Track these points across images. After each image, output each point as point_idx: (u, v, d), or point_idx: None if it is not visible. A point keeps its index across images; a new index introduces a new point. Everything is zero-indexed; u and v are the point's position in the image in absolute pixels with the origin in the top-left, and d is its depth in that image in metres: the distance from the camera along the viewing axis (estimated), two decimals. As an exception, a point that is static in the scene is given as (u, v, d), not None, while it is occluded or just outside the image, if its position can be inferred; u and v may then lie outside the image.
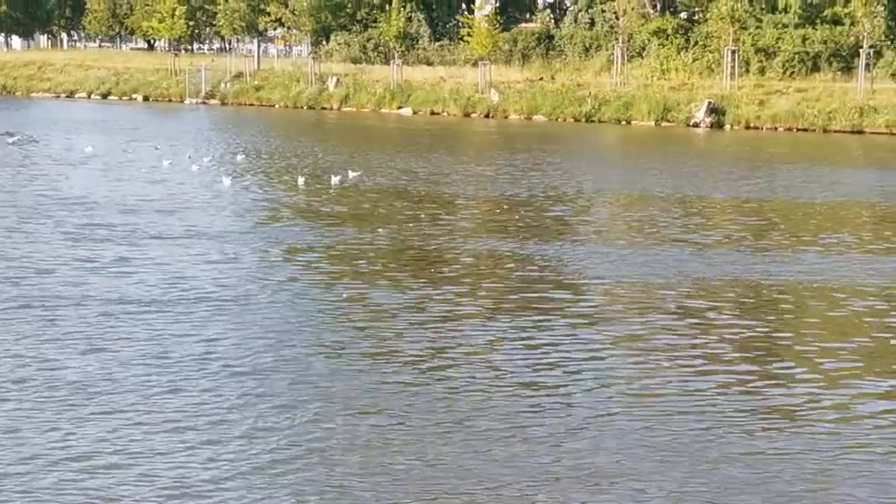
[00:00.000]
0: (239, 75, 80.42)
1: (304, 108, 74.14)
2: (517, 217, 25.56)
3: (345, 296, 16.33)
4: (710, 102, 61.70)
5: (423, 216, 25.24)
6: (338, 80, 75.51)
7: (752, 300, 17.07)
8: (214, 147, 43.22)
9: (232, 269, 18.47)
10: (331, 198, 28.16)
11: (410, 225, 23.70)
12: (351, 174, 31.66)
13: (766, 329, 15.25)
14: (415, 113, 70.06)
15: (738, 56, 65.95)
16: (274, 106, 75.61)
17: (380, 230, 22.75)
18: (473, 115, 68.03)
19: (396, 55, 75.04)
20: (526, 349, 13.79)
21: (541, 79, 71.15)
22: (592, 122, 63.98)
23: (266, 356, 13.15)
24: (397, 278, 17.96)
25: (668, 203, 28.56)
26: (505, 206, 27.42)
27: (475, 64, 72.91)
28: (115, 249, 19.83)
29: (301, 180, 30.64)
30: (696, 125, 61.12)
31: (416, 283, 17.57)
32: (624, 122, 63.24)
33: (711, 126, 60.62)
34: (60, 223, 22.64)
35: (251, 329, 14.40)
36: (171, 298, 16.02)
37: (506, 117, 67.15)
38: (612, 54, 70.68)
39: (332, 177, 31.15)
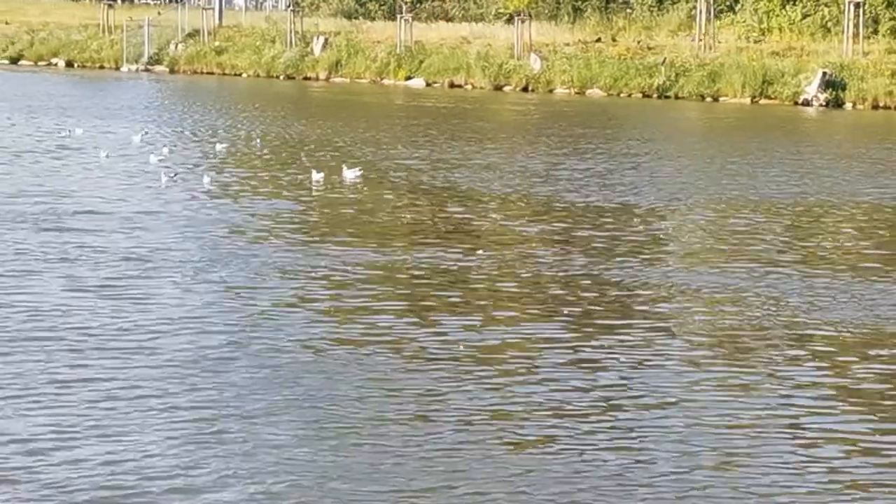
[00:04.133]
0: (194, 34, 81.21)
1: (281, 77, 75.10)
2: (581, 228, 26.26)
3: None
4: (825, 73, 62.15)
5: (470, 226, 26.15)
6: (326, 40, 76.24)
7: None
8: (172, 131, 44.09)
9: (227, 300, 19.18)
10: (348, 200, 29.19)
11: (454, 237, 24.44)
12: (348, 171, 32.33)
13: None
14: (429, 85, 70.91)
15: (864, 11, 66.25)
16: (241, 75, 76.67)
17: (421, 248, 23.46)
18: (507, 88, 68.85)
19: (405, 8, 75.65)
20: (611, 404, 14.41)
21: (598, 40, 71.69)
22: (667, 97, 64.73)
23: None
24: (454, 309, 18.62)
25: (777, 212, 29.15)
26: (571, 214, 28.15)
27: (510, 20, 73.54)
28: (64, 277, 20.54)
29: (318, 176, 31.52)
30: (807, 103, 61.63)
31: (474, 316, 18.21)
32: (709, 99, 63.90)
33: (827, 104, 61.13)
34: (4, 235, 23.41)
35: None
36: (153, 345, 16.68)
37: (550, 91, 67.87)
38: (694, 9, 71.24)
39: (345, 170, 32.03)
